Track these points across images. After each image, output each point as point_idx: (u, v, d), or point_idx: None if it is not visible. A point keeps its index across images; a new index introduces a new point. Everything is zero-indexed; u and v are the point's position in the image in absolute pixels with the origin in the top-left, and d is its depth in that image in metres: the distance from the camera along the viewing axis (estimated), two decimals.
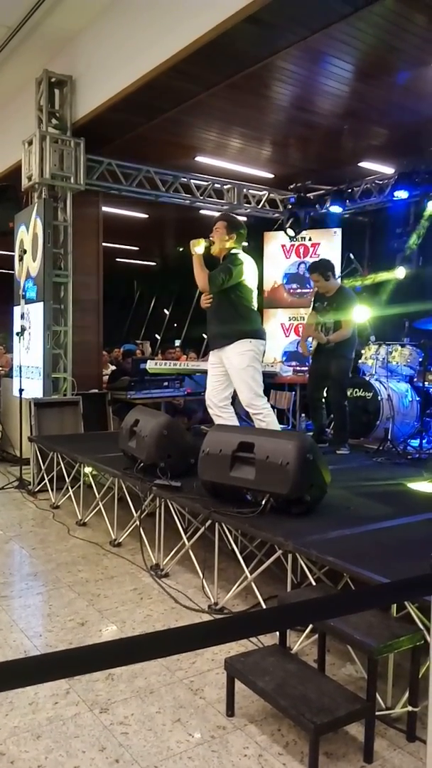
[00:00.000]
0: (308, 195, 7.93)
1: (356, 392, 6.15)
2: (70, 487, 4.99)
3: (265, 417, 4.34)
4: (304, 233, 8.10)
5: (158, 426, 3.96)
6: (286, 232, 8.01)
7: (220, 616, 3.13)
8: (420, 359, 6.14)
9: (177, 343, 16.13)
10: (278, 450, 3.14)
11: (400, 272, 7.21)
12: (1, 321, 10.44)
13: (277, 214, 8.51)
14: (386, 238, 8.10)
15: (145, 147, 6.92)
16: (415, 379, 6.25)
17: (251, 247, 5.27)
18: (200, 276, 4.37)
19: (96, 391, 6.91)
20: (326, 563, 2.61)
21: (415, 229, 7.34)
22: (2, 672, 1.00)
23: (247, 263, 4.43)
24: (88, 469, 4.87)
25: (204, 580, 3.46)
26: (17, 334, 6.46)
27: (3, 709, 2.39)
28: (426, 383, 6.02)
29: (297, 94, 5.67)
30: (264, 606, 3.06)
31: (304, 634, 2.76)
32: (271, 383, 7.02)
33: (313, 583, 2.81)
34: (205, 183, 7.76)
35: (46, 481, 5.40)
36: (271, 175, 8.03)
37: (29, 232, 6.57)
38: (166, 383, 6.78)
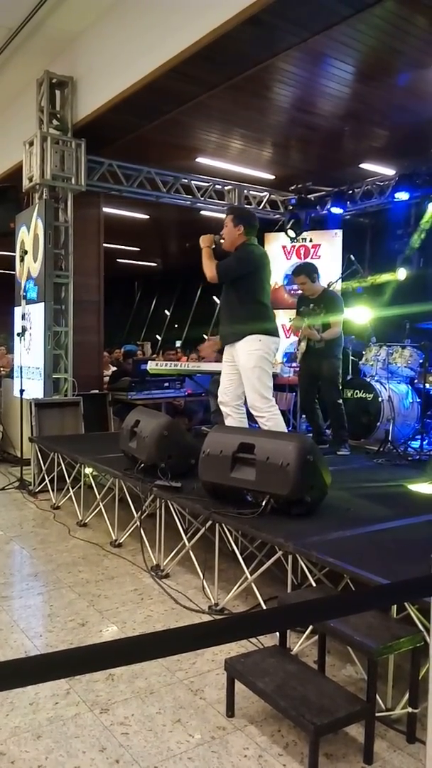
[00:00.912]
0: (309, 196, 7.94)
1: (357, 393, 6.15)
2: (70, 488, 4.99)
3: (267, 421, 4.17)
4: (304, 234, 8.11)
5: (159, 427, 3.96)
6: (287, 234, 8.02)
7: (221, 617, 3.13)
8: (421, 361, 6.14)
9: (178, 344, 16.15)
10: (279, 451, 3.14)
11: (401, 273, 7.22)
12: (2, 322, 10.44)
13: (277, 216, 8.51)
14: (387, 240, 8.11)
15: (146, 148, 6.93)
16: (416, 381, 6.25)
17: None
18: (208, 266, 4.20)
19: (97, 391, 6.91)
20: (326, 564, 2.62)
21: (416, 231, 7.34)
22: (2, 671, 1.00)
23: (260, 256, 4.27)
24: (88, 470, 4.87)
25: (204, 581, 3.46)
26: (18, 334, 6.46)
27: (3, 709, 2.39)
28: (427, 385, 6.02)
29: (298, 96, 5.67)
30: (264, 607, 3.06)
31: (305, 635, 2.76)
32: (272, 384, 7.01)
33: (314, 584, 2.81)
34: (206, 184, 7.76)
35: (47, 481, 5.40)
36: (272, 177, 8.04)
37: (30, 233, 6.58)
38: (166, 384, 6.78)
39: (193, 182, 7.63)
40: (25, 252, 6.57)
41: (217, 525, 3.25)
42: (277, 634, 2.57)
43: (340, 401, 5.41)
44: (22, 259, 6.66)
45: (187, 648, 1.45)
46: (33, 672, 1.05)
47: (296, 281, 5.64)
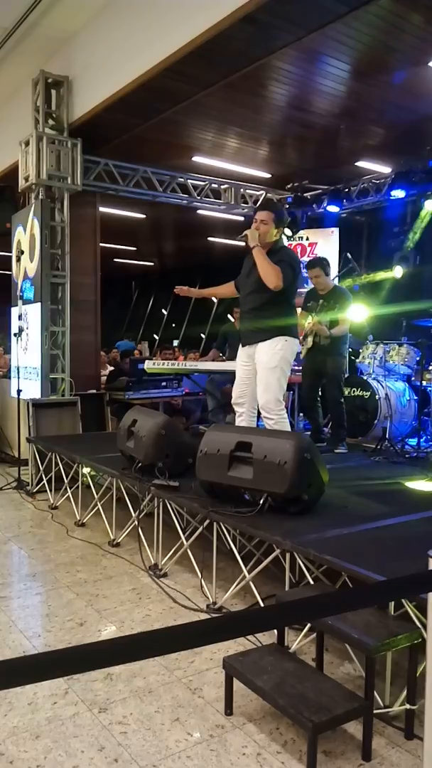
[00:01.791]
0: (305, 194, 7.94)
1: (354, 391, 6.16)
2: (68, 488, 4.99)
3: (275, 423, 4.05)
4: (301, 233, 8.11)
5: (156, 426, 3.96)
6: (283, 232, 8.00)
7: (219, 615, 3.14)
8: (417, 358, 6.15)
9: (175, 343, 16.14)
10: (276, 449, 3.14)
11: (397, 271, 7.23)
12: None
13: None
14: (383, 238, 8.11)
15: (142, 147, 6.92)
16: (413, 378, 6.26)
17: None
18: (271, 272, 3.96)
19: (94, 391, 6.90)
20: (324, 562, 2.62)
21: (412, 228, 7.35)
22: (1, 671, 1.00)
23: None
24: (86, 470, 4.87)
25: (202, 580, 3.46)
26: (15, 335, 6.46)
27: (2, 709, 2.39)
28: (423, 382, 6.03)
29: (293, 94, 5.67)
30: (262, 605, 3.06)
31: (303, 633, 2.76)
32: None
33: (311, 582, 2.81)
34: (203, 183, 7.76)
35: (45, 481, 5.39)
36: (269, 175, 8.04)
37: (26, 233, 6.57)
38: (164, 383, 6.78)
39: (189, 181, 7.63)
40: (22, 252, 6.57)
41: (214, 524, 3.25)
42: (275, 632, 2.58)
43: (342, 400, 5.39)
44: (18, 259, 6.66)
45: (186, 646, 1.45)
46: (31, 671, 1.05)
47: (310, 274, 5.57)
